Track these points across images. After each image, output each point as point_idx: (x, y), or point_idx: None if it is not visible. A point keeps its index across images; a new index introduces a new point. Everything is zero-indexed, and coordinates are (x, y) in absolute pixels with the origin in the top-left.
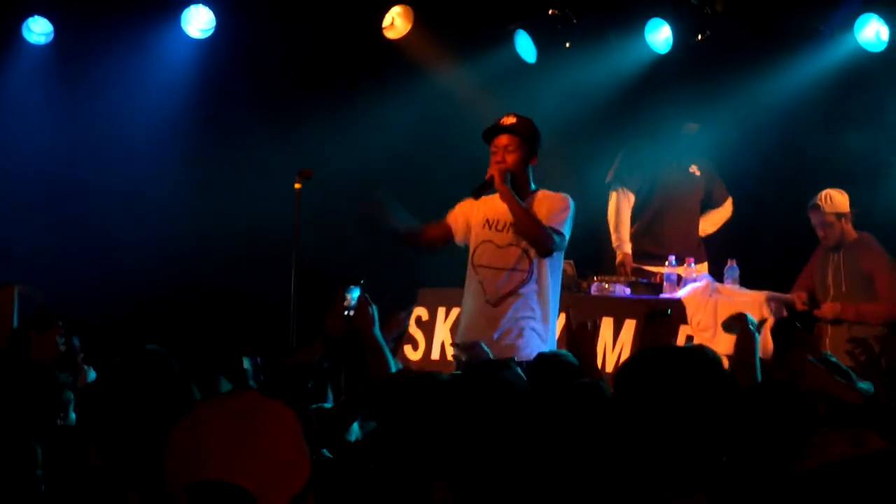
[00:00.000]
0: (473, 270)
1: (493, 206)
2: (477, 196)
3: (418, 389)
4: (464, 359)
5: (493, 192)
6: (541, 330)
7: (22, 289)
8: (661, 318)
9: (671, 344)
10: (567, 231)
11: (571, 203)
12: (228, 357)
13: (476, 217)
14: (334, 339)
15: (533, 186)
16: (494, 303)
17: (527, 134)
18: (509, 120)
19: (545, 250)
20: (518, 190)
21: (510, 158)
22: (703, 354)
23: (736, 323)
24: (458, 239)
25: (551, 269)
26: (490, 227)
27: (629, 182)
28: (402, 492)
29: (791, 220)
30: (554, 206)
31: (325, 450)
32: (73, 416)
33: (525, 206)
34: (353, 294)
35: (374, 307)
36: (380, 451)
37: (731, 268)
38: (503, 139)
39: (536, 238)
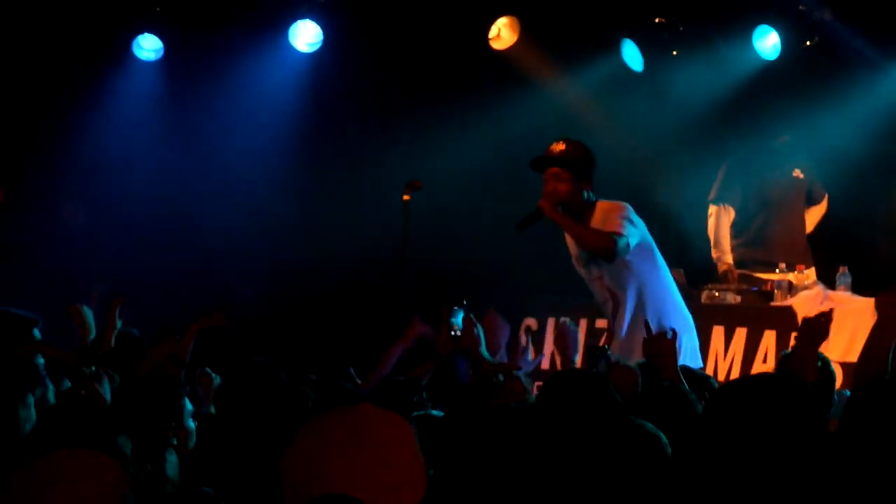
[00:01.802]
0: None
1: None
2: (521, 229)
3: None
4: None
5: (540, 221)
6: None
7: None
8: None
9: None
10: (628, 230)
11: (626, 207)
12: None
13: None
14: (442, 359)
15: (593, 198)
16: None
17: (576, 161)
18: (558, 147)
19: (607, 254)
20: (575, 216)
21: (561, 188)
22: (793, 386)
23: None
24: None
25: (640, 274)
26: (579, 265)
27: (729, 198)
28: None
29: None
30: (609, 216)
31: None
32: (191, 423)
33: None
34: (458, 317)
35: (480, 328)
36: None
37: (844, 274)
38: (553, 168)
39: (597, 247)
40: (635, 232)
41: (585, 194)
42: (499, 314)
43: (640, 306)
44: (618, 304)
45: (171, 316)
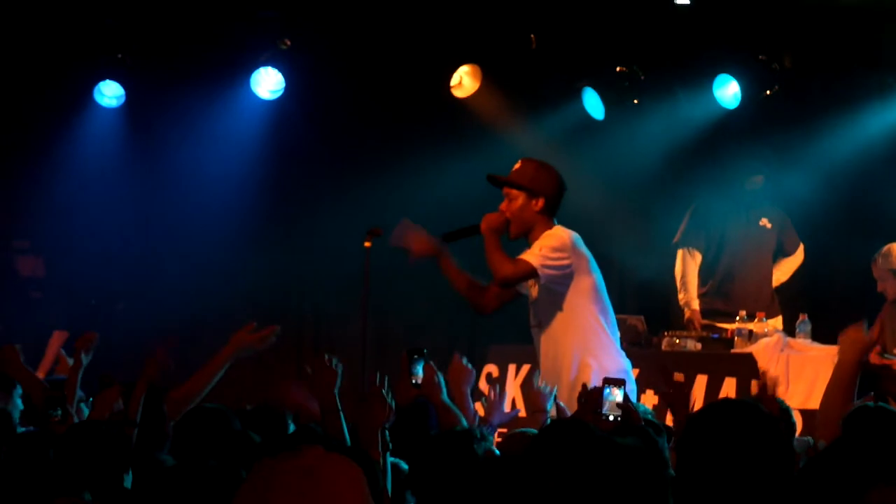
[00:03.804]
0: None
1: None
2: (448, 240)
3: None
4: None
5: (473, 237)
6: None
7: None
8: None
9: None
10: (539, 260)
11: (559, 237)
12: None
13: None
14: (403, 408)
15: (551, 220)
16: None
17: (526, 179)
18: (514, 167)
19: (497, 280)
20: (527, 234)
21: (510, 207)
22: (759, 412)
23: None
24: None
25: (564, 306)
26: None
27: (695, 242)
28: None
29: (863, 274)
30: (536, 243)
31: None
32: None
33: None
34: (419, 365)
35: (440, 375)
36: None
37: (803, 322)
38: (505, 188)
39: (495, 274)
40: (555, 265)
41: (539, 213)
42: (465, 360)
43: (560, 339)
44: (539, 333)
45: (123, 366)
